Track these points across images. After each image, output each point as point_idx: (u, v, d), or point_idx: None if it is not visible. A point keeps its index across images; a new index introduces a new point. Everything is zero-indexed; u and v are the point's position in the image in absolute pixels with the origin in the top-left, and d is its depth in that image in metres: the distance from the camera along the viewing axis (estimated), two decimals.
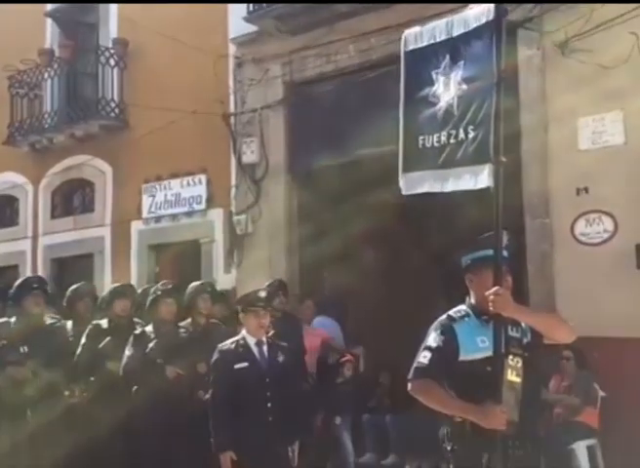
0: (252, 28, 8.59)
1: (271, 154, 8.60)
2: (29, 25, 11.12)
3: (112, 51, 10.16)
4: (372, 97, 7.77)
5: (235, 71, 8.87)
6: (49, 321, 5.97)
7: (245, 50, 8.80)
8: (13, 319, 5.77)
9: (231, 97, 8.89)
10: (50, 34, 11.20)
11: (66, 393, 5.57)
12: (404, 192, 3.68)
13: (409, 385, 3.35)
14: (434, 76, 3.56)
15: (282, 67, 8.53)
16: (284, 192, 8.54)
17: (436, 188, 3.55)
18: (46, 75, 10.64)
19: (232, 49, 8.92)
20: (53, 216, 11.03)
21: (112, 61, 10.14)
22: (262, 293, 5.02)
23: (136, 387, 5.76)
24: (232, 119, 8.85)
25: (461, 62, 3.47)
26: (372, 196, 8.98)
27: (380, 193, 8.54)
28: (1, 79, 10.97)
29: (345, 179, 8.55)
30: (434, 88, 3.56)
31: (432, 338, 3.35)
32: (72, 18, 11.12)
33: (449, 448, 3.35)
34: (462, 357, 3.28)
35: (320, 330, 7.66)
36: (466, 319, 3.37)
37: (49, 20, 11.18)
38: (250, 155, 8.67)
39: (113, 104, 10.15)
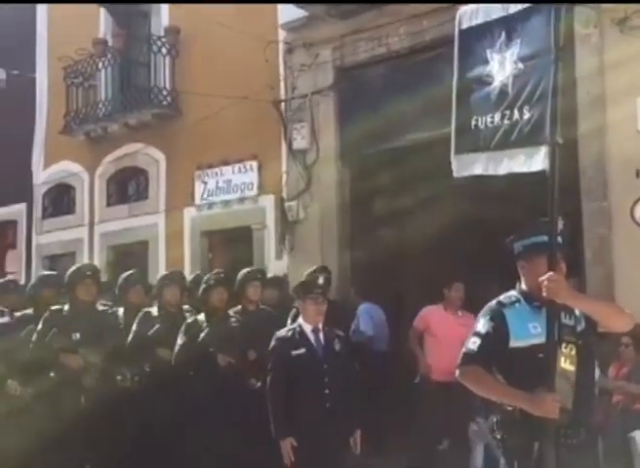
0: (302, 13, 8.52)
1: (322, 140, 8.54)
2: (84, 16, 11.25)
3: (164, 39, 10.21)
4: (424, 79, 7.63)
5: (285, 57, 8.83)
6: (100, 308, 6.03)
7: (295, 35, 8.74)
8: (66, 306, 5.84)
9: (281, 83, 8.85)
10: (104, 24, 11.31)
11: (118, 378, 5.63)
12: (455, 174, 3.59)
13: (457, 372, 3.28)
14: (489, 55, 3.46)
15: (332, 52, 8.45)
16: (335, 178, 8.47)
17: (489, 170, 3.45)
18: (100, 65, 10.76)
19: (282, 34, 8.87)
20: (108, 204, 11.18)
21: (164, 50, 10.18)
22: (320, 280, 4.98)
23: (188, 375, 5.79)
24: (283, 105, 8.82)
25: (518, 40, 3.35)
26: (425, 181, 8.85)
27: (433, 178, 8.42)
28: (57, 70, 11.15)
29: (398, 164, 8.43)
30: (488, 67, 3.45)
31: (481, 324, 3.28)
32: (125, 7, 11.21)
33: (498, 436, 3.28)
34: (513, 343, 3.21)
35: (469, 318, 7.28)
36: (517, 305, 3.29)
37: (102, 11, 11.29)
38: (300, 141, 8.63)
39: (165, 92, 10.21)
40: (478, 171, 3.50)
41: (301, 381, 4.74)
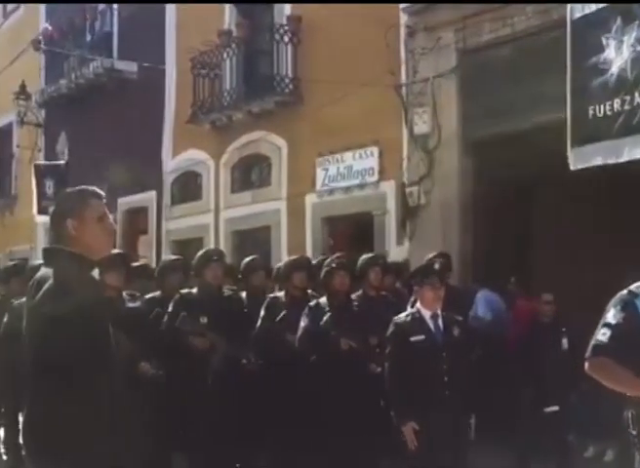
0: None
1: (444, 124, 8.41)
2: (210, 8, 11.56)
3: (286, 27, 10.33)
4: (551, 59, 7.34)
5: (406, 41, 8.73)
6: (227, 292, 6.18)
7: (416, 18, 8.63)
8: (194, 290, 6.03)
9: (402, 68, 8.77)
10: (228, 15, 11.57)
11: (244, 362, 5.76)
12: (572, 167, 3.46)
13: (586, 364, 3.16)
14: (604, 41, 3.30)
15: (455, 34, 8.28)
16: (457, 162, 8.33)
17: (609, 160, 3.31)
18: (225, 55, 11.03)
19: (404, 18, 8.78)
20: (232, 191, 11.48)
21: (286, 38, 10.31)
22: (437, 265, 4.94)
23: (312, 358, 5.87)
24: (404, 90, 8.74)
25: (636, 22, 3.18)
26: (552, 165, 8.57)
27: (560, 162, 8.13)
28: (184, 61, 11.52)
29: (523, 148, 8.18)
30: (604, 54, 3.30)
31: (612, 315, 3.14)
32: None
33: (634, 432, 3.13)
34: None
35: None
36: None
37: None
38: (422, 125, 8.53)
39: (287, 80, 10.35)
40: (597, 162, 3.38)
41: (420, 367, 4.72)
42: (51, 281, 2.62)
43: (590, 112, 3.33)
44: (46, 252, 2.86)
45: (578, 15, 3.42)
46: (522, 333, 6.89)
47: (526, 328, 6.89)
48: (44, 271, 2.72)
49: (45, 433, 2.58)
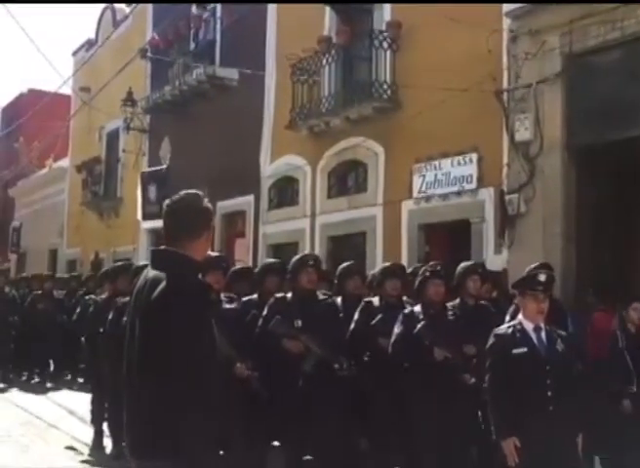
0: None
1: (547, 130, 8.17)
2: (311, 15, 11.67)
3: (386, 34, 10.30)
4: None
5: (509, 46, 8.54)
6: (321, 297, 6.19)
7: (520, 22, 8.43)
8: (289, 294, 6.07)
9: (504, 73, 8.59)
10: (328, 21, 11.65)
11: (336, 366, 5.75)
12: None
13: None
14: None
15: (560, 38, 8.04)
16: (560, 170, 8.07)
17: None
18: (324, 61, 11.10)
19: (506, 22, 8.59)
20: (329, 196, 11.52)
21: (385, 44, 10.28)
22: (542, 277, 4.77)
23: (405, 366, 5.81)
24: (505, 95, 8.55)
25: None
26: None
27: None
28: (284, 68, 11.67)
29: (631, 156, 7.86)
30: None
31: None
32: (349, 4, 11.46)
33: None
34: None
35: None
36: None
37: (328, 9, 11.63)
38: (523, 132, 8.31)
39: (386, 86, 10.31)
40: None
41: (523, 381, 4.55)
42: (164, 282, 2.68)
43: None
44: (157, 253, 2.92)
45: None
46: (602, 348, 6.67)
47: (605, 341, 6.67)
48: (155, 273, 2.78)
49: (154, 428, 2.64)
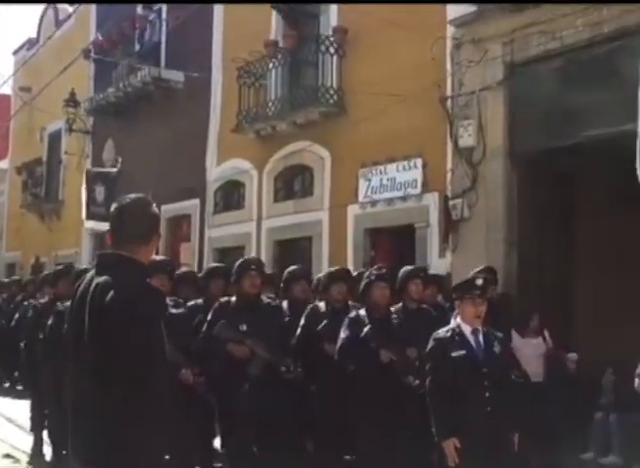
0: (471, 8, 8.34)
1: (489, 137, 8.32)
2: (256, 18, 11.65)
3: (332, 39, 10.35)
4: (601, 73, 7.25)
5: (453, 53, 8.67)
6: (265, 300, 6.18)
7: (464, 31, 8.56)
8: (233, 298, 6.04)
9: (448, 80, 8.71)
10: (275, 25, 11.65)
11: (283, 369, 5.75)
12: None
13: (636, 381, 3.08)
14: None
15: (503, 47, 8.19)
16: (503, 176, 8.22)
17: None
18: (270, 65, 11.10)
19: (450, 30, 8.72)
20: (275, 200, 11.51)
21: (332, 49, 10.33)
22: (479, 281, 4.86)
23: (350, 369, 5.84)
24: (449, 102, 8.68)
25: None
26: (601, 180, 8.41)
27: (610, 177, 7.97)
28: (231, 71, 11.62)
29: (571, 162, 8.06)
30: None
31: None
32: (295, 8, 11.49)
33: None
34: None
35: None
36: None
37: (274, 13, 11.62)
38: (467, 138, 8.45)
39: (332, 91, 10.36)
40: None
41: (461, 383, 4.66)
42: (115, 288, 2.63)
43: None
44: (106, 257, 2.87)
45: None
46: None
47: None
48: (104, 278, 2.72)
49: (101, 436, 2.59)
